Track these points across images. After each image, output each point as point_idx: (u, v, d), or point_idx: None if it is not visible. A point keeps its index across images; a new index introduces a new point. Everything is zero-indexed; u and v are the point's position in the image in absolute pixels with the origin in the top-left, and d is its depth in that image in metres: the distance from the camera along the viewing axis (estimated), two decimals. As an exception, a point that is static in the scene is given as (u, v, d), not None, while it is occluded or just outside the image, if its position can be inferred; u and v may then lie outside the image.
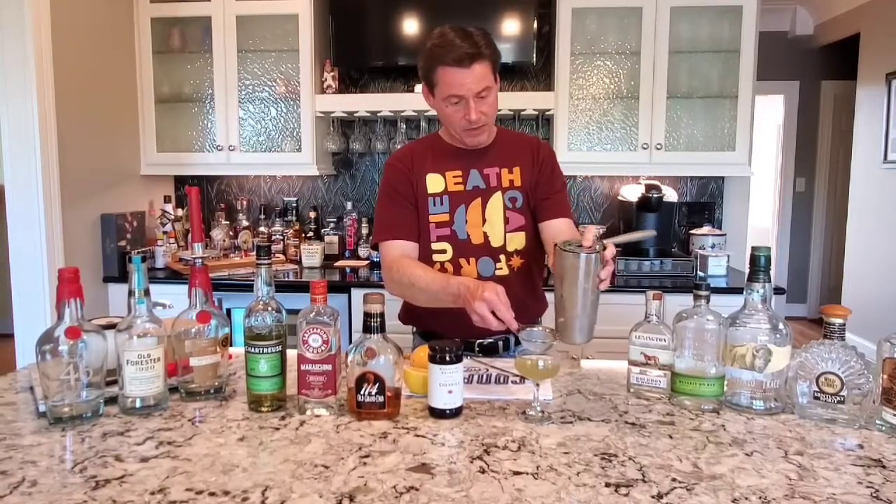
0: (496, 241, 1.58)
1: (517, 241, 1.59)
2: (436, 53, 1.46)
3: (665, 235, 2.95)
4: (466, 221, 1.58)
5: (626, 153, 2.93)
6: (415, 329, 1.73)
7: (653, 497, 0.88)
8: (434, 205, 1.59)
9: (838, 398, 1.14)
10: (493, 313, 1.26)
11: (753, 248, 1.21)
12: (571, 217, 1.63)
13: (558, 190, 1.62)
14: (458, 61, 1.43)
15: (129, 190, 3.03)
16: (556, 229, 1.56)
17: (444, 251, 1.59)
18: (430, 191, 1.59)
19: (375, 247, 1.64)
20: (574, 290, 1.21)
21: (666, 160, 2.91)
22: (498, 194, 1.59)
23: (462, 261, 1.59)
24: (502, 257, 1.59)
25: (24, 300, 2.51)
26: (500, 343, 1.60)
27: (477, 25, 1.50)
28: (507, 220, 1.58)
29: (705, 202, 3.23)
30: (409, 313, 1.69)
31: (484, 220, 1.58)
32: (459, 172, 1.60)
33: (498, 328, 1.27)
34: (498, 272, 1.58)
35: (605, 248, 1.22)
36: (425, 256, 1.60)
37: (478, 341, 1.57)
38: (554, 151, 1.69)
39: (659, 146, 2.88)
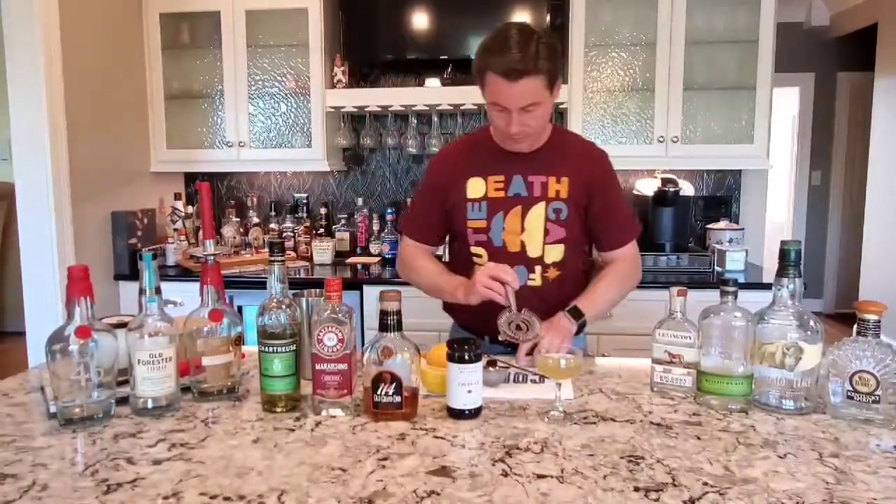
0: (533, 252, 1.54)
1: (555, 253, 1.54)
2: (487, 57, 1.37)
3: (681, 230, 2.90)
4: (504, 229, 1.54)
5: (641, 146, 2.88)
6: (456, 322, 1.71)
7: (685, 502, 0.85)
8: (472, 210, 1.55)
9: (873, 398, 1.10)
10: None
11: (783, 242, 1.17)
12: (634, 235, 1.61)
13: (615, 208, 1.57)
14: (505, 74, 1.34)
15: (139, 187, 3.01)
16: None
17: (480, 255, 1.57)
18: (469, 196, 1.55)
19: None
20: None
21: (682, 153, 2.85)
22: (541, 205, 1.52)
23: None
24: (538, 268, 1.54)
25: (35, 298, 2.49)
26: None
27: (541, 29, 1.49)
28: (546, 232, 1.53)
29: (722, 196, 3.17)
30: (449, 304, 1.67)
31: (522, 229, 1.53)
32: (502, 178, 1.54)
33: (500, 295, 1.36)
34: (530, 282, 1.54)
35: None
36: (466, 258, 1.59)
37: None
38: (610, 161, 1.60)
39: (675, 139, 2.83)
